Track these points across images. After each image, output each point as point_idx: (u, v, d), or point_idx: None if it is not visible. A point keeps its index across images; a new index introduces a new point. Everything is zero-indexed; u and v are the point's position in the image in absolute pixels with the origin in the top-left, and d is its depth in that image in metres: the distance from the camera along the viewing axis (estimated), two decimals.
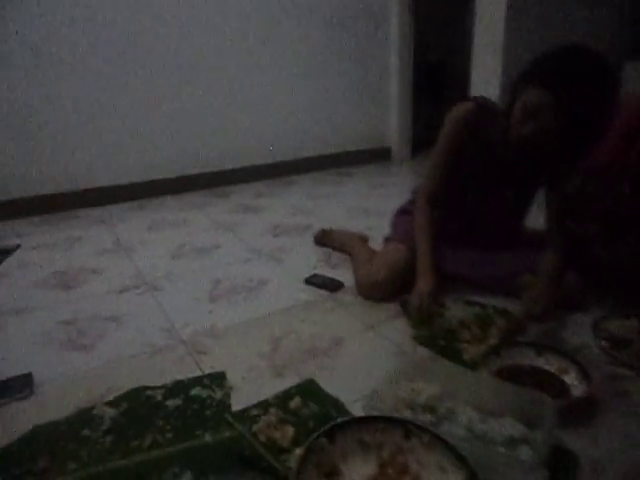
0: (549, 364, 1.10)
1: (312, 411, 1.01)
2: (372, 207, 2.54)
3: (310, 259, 1.86)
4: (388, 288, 1.47)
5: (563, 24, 2.90)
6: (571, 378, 1.05)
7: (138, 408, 1.03)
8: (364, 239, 1.88)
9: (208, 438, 0.93)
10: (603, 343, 1.18)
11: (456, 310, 1.40)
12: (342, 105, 3.49)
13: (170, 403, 1.04)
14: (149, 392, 1.08)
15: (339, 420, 0.85)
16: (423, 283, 1.37)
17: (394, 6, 3.47)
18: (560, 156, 1.31)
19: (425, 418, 0.96)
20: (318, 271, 1.72)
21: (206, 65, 2.90)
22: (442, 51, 4.09)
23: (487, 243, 1.51)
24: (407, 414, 0.98)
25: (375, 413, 0.91)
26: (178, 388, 1.10)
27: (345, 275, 1.68)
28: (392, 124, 3.74)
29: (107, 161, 2.72)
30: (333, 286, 1.59)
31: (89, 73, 2.56)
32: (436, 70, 4.09)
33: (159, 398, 1.06)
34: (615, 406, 1.00)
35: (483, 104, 1.39)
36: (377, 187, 3.04)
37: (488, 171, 1.42)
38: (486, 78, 2.79)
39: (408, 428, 0.84)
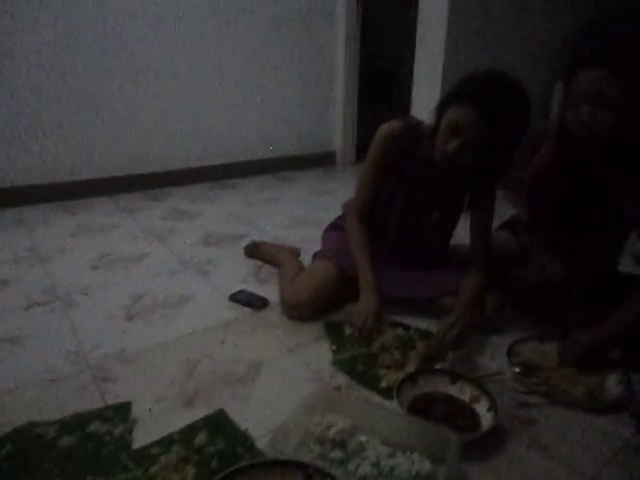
0: (463, 393, 1.10)
1: (217, 448, 0.96)
2: (311, 216, 2.51)
3: (239, 273, 1.80)
4: (312, 309, 1.44)
5: (501, 45, 3.00)
6: (482, 408, 1.05)
7: (25, 449, 0.94)
8: (295, 253, 1.84)
9: None
10: (515, 369, 1.21)
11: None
12: (286, 108, 3.43)
13: (63, 442, 0.96)
14: (40, 429, 0.99)
15: (231, 469, 0.80)
16: (367, 300, 1.33)
17: (340, 8, 3.45)
18: (482, 173, 1.32)
19: (334, 454, 0.94)
20: (245, 286, 1.66)
21: (144, 65, 2.76)
22: (392, 58, 4.11)
23: (414, 262, 1.51)
24: (316, 449, 0.95)
25: (278, 452, 0.87)
26: (75, 423, 1.02)
27: (272, 291, 1.63)
28: (337, 128, 3.72)
29: (31, 158, 2.52)
30: (258, 304, 1.54)
31: (14, 69, 2.37)
32: (385, 76, 4.11)
33: (51, 436, 0.97)
34: (520, 437, 1.02)
35: (411, 124, 1.39)
36: (319, 194, 3.01)
37: (414, 191, 1.42)
38: (427, 87, 2.82)
39: (308, 472, 0.81)
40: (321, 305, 1.46)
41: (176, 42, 2.85)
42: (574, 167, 1.26)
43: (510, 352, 1.28)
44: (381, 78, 4.13)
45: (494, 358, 1.30)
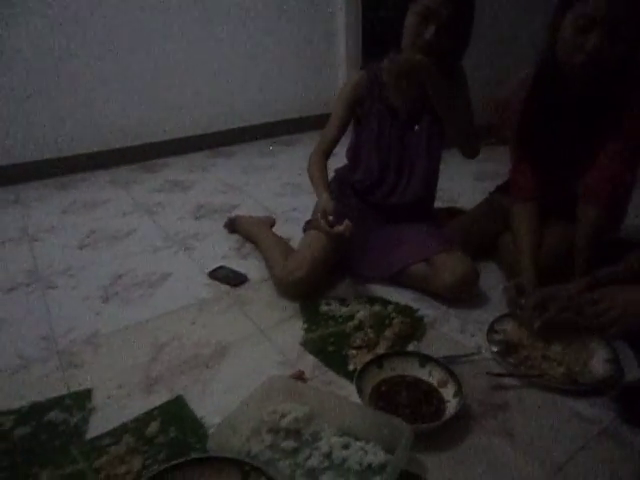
0: (431, 376, 1.04)
1: (169, 438, 0.94)
2: (306, 182, 2.40)
3: (222, 247, 1.75)
4: (312, 284, 1.39)
5: None
6: (448, 393, 1.00)
7: None
8: (270, 224, 1.79)
9: (44, 478, 0.86)
10: (493, 348, 1.13)
11: (356, 308, 1.33)
12: (285, 68, 3.28)
13: (18, 432, 0.96)
14: None
15: (171, 463, 0.78)
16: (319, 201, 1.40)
17: None
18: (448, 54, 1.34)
19: (286, 444, 0.91)
20: (226, 262, 1.62)
21: (137, 33, 2.66)
22: (396, 7, 3.85)
23: (402, 205, 1.50)
24: (268, 439, 0.92)
25: (222, 446, 0.85)
26: (33, 412, 1.01)
27: (254, 266, 1.59)
28: (339, 86, 3.55)
29: (26, 134, 2.49)
30: (236, 280, 1.50)
31: (7, 48, 2.31)
32: (389, 27, 3.86)
33: (8, 426, 0.97)
34: (487, 423, 0.96)
35: (371, 68, 1.49)
36: None
37: (393, 114, 1.47)
38: None
39: (245, 469, 0.78)
40: (321, 278, 1.42)
41: (169, 7, 2.72)
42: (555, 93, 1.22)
43: (491, 329, 1.20)
44: (387, 28, 3.88)
45: (475, 335, 1.23)
